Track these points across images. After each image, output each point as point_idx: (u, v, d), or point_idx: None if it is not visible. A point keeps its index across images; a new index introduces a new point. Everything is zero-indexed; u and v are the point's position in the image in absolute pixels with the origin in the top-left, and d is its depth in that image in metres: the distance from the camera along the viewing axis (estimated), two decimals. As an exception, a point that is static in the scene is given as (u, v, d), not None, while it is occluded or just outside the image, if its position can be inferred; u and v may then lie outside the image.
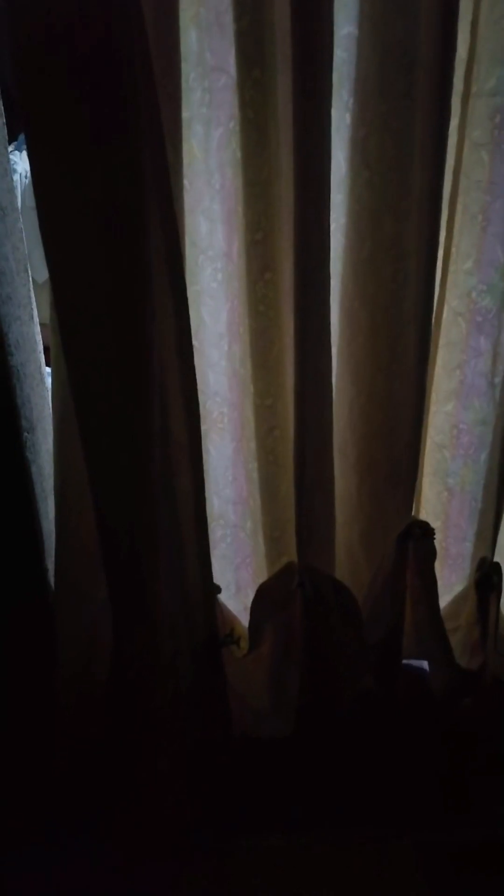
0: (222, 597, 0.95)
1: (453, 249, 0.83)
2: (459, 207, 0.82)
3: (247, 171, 0.75)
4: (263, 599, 0.94)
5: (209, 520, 0.88)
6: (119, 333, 0.72)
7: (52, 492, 0.84)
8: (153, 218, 0.69)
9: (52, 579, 0.85)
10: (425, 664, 1.04)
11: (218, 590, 0.92)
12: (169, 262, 0.72)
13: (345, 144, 0.78)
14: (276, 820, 0.98)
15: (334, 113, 0.74)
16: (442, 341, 0.89)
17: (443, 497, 0.99)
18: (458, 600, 1.02)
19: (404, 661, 1.02)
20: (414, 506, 0.97)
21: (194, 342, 0.80)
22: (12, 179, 0.79)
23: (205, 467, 0.86)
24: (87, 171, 0.66)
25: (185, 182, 0.76)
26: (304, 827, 0.98)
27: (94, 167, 0.66)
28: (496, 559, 0.96)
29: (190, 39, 0.72)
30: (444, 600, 1.01)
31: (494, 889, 0.91)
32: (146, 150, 0.67)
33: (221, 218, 0.78)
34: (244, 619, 0.97)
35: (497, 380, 0.88)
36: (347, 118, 0.77)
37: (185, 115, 0.74)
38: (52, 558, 0.85)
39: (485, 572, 0.96)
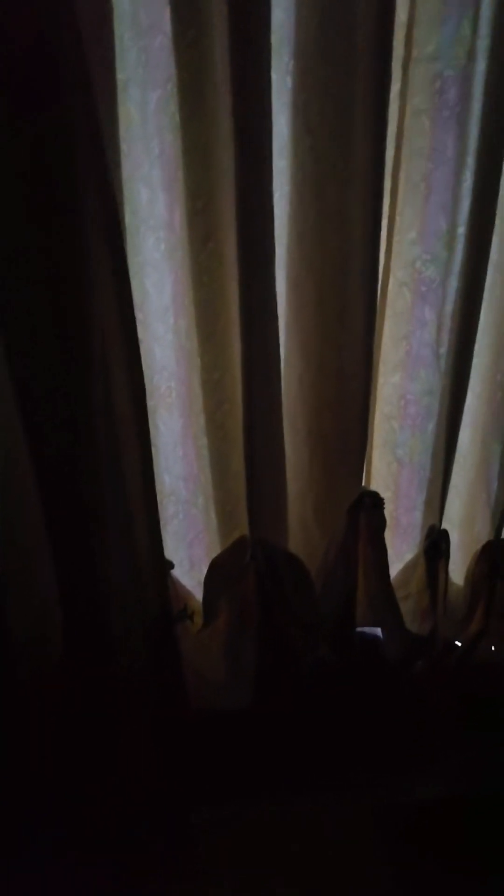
0: (175, 573, 0.95)
1: (397, 218, 0.83)
2: (402, 176, 0.82)
3: (186, 136, 0.73)
4: (217, 573, 0.94)
5: (160, 497, 0.87)
6: (56, 307, 0.69)
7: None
8: (88, 186, 0.67)
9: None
10: (379, 632, 1.06)
11: (171, 565, 0.91)
12: (107, 232, 0.70)
13: (286, 108, 0.76)
14: (235, 790, 1.00)
15: (275, 75, 0.72)
16: (388, 312, 0.89)
17: (392, 468, 1.00)
18: (408, 568, 1.04)
19: (359, 630, 1.03)
20: (364, 477, 0.98)
21: (139, 315, 0.79)
22: None
23: (154, 444, 0.85)
24: (13, 139, 0.63)
25: (124, 147, 0.73)
26: (263, 795, 0.99)
27: (20, 134, 0.63)
28: (444, 527, 0.98)
29: (122, -1, 0.69)
30: (395, 569, 1.03)
31: (447, 844, 0.95)
32: (78, 116, 0.64)
33: (162, 185, 0.76)
34: (198, 594, 0.97)
35: (442, 350, 0.89)
36: (288, 81, 0.75)
37: (120, 77, 0.71)
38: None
39: (433, 540, 0.98)
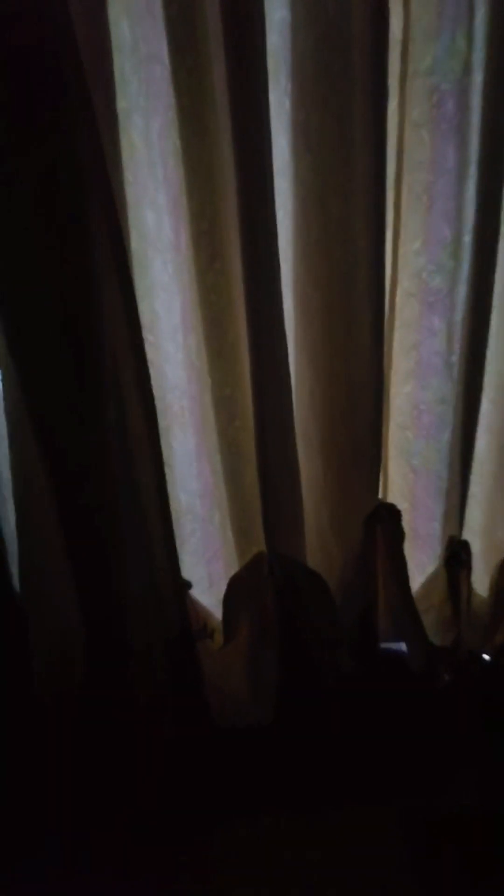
0: (195, 592, 0.95)
1: (401, 230, 0.84)
2: (405, 188, 0.82)
3: (188, 161, 0.75)
4: (236, 591, 0.93)
5: (177, 515, 0.88)
6: (66, 332, 0.71)
7: (12, 496, 0.83)
8: (94, 212, 0.69)
9: (16, 582, 0.84)
10: (403, 646, 1.04)
11: (189, 585, 0.92)
12: (114, 256, 0.71)
13: (286, 129, 0.78)
14: (261, 805, 0.98)
15: (273, 98, 0.74)
16: (396, 322, 0.89)
17: (409, 478, 0.99)
18: (430, 581, 1.02)
19: (383, 645, 1.02)
20: (381, 488, 0.97)
21: (150, 336, 0.80)
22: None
23: (169, 462, 0.85)
24: (19, 170, 0.65)
25: (128, 175, 0.75)
26: (288, 809, 0.98)
27: (26, 165, 0.65)
28: (464, 536, 0.96)
29: (122, 30, 0.71)
30: (417, 582, 1.01)
31: (473, 859, 0.92)
32: (81, 145, 0.66)
33: (167, 209, 0.78)
34: (217, 612, 0.96)
35: (453, 358, 0.88)
36: (287, 102, 0.77)
37: (122, 105, 0.73)
38: (16, 562, 0.84)
39: (453, 551, 0.96)
